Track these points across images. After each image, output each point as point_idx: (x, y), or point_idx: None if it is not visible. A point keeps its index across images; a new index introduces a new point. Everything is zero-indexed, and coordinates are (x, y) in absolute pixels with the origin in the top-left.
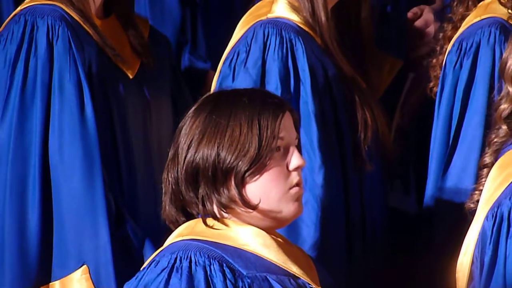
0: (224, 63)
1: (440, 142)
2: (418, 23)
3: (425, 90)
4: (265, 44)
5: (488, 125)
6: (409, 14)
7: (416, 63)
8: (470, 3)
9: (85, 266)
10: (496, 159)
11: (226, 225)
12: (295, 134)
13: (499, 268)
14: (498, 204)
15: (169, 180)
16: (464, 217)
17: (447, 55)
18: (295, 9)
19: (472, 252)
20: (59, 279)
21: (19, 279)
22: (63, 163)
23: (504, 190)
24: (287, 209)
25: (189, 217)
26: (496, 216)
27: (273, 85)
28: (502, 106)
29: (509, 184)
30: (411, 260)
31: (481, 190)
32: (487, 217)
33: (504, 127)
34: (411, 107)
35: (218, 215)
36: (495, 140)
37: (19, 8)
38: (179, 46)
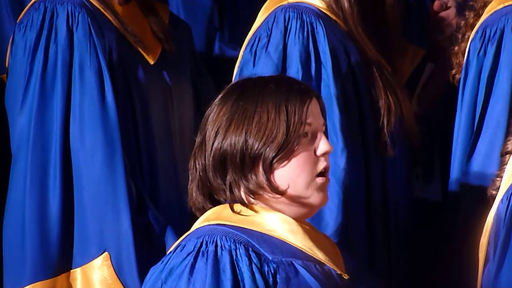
0: (245, 48)
1: (464, 129)
2: (443, 14)
3: (447, 78)
4: (286, 28)
5: None
6: (436, 5)
7: (435, 53)
8: None
9: (106, 253)
10: None
11: (253, 210)
12: (322, 120)
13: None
14: None
15: (196, 167)
16: (488, 203)
17: (471, 42)
18: None
19: (488, 234)
20: (80, 266)
21: (40, 266)
22: (84, 149)
23: None
24: (314, 196)
25: (216, 204)
26: (510, 199)
27: (294, 69)
28: None
29: None
30: (435, 246)
31: (503, 176)
32: (502, 200)
33: None
34: (430, 96)
35: (245, 201)
36: None
37: None
38: (209, 35)
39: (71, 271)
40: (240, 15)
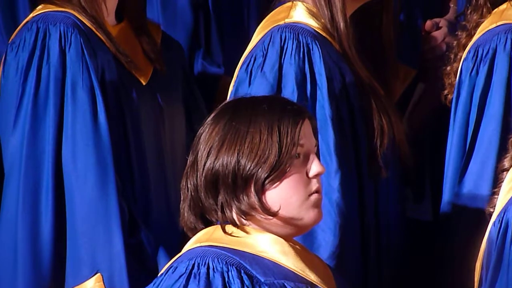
0: (241, 67)
1: (456, 149)
2: (435, 34)
3: (438, 98)
4: (282, 48)
5: (505, 131)
6: (427, 25)
7: (426, 74)
8: (484, 10)
9: (98, 274)
10: None
11: (245, 232)
12: (315, 141)
13: (503, 274)
14: (504, 210)
15: (188, 187)
16: (481, 223)
17: (463, 62)
18: (314, 15)
19: (482, 258)
20: None
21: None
22: (76, 170)
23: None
24: (307, 216)
25: (208, 224)
26: (502, 222)
27: (290, 90)
28: None
29: None
30: (428, 267)
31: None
32: (494, 223)
33: None
34: (421, 116)
35: (237, 222)
36: None
37: (31, 15)
38: (192, 51)
39: None
40: (226, 33)
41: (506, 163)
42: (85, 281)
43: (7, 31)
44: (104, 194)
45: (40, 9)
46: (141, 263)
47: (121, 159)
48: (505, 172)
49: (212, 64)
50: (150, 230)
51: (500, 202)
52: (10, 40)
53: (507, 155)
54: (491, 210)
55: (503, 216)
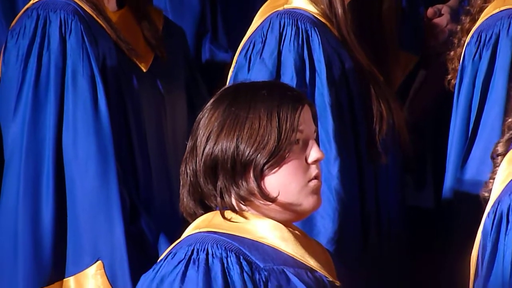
0: (240, 53)
1: (459, 134)
2: (437, 21)
3: (439, 85)
4: (281, 34)
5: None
6: (429, 12)
7: (428, 60)
8: None
9: (99, 261)
10: (508, 149)
11: (244, 217)
12: (314, 127)
13: (498, 266)
14: (498, 201)
15: (187, 173)
16: (484, 210)
17: (466, 47)
18: (313, 0)
19: (477, 248)
20: (73, 275)
21: (33, 275)
22: (77, 158)
23: (505, 187)
24: (306, 202)
25: (208, 210)
26: (496, 213)
27: (289, 76)
28: None
29: (511, 180)
30: (430, 254)
31: (495, 179)
32: (488, 214)
33: None
34: (422, 103)
35: (236, 208)
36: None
37: (31, 2)
38: (199, 36)
39: (64, 279)
40: (233, 17)
41: (499, 148)
42: (86, 268)
43: (6, 18)
44: (105, 182)
45: None
46: (142, 250)
47: (122, 147)
48: (500, 157)
49: (219, 48)
50: (152, 218)
51: (495, 192)
52: (10, 27)
53: (501, 140)
54: (486, 194)
55: (497, 207)
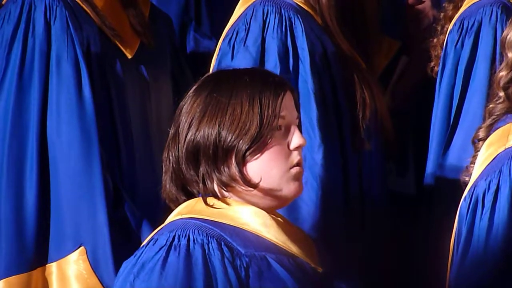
0: (223, 41)
1: (440, 121)
2: (419, 7)
3: (421, 71)
4: (264, 22)
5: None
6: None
7: (410, 46)
8: None
9: (82, 247)
10: (489, 134)
11: (226, 204)
12: (296, 113)
13: (473, 250)
14: (475, 185)
15: (169, 159)
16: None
17: (449, 34)
18: None
19: (454, 233)
20: (56, 261)
21: (15, 260)
22: (61, 143)
23: (482, 171)
24: (288, 188)
25: (190, 196)
26: (472, 197)
27: (272, 64)
28: (501, 74)
29: (487, 164)
30: (412, 239)
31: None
32: (464, 198)
33: (502, 93)
34: (404, 89)
35: (218, 194)
36: (492, 112)
37: None
38: (183, 24)
39: (47, 265)
40: (217, 5)
41: (480, 133)
42: (69, 254)
43: None
44: (88, 167)
45: None
46: (125, 236)
47: (106, 133)
48: (480, 142)
49: (203, 36)
50: (136, 204)
51: (473, 177)
52: None
53: (482, 125)
54: (466, 179)
55: (473, 191)
